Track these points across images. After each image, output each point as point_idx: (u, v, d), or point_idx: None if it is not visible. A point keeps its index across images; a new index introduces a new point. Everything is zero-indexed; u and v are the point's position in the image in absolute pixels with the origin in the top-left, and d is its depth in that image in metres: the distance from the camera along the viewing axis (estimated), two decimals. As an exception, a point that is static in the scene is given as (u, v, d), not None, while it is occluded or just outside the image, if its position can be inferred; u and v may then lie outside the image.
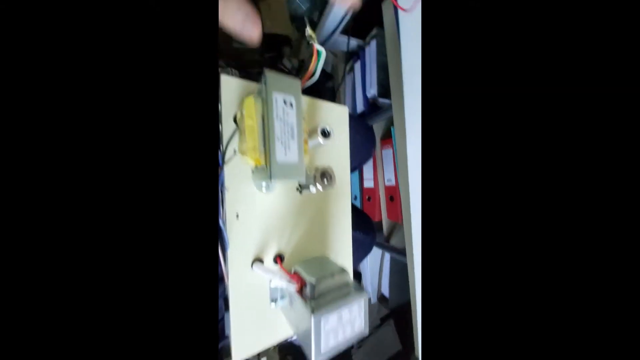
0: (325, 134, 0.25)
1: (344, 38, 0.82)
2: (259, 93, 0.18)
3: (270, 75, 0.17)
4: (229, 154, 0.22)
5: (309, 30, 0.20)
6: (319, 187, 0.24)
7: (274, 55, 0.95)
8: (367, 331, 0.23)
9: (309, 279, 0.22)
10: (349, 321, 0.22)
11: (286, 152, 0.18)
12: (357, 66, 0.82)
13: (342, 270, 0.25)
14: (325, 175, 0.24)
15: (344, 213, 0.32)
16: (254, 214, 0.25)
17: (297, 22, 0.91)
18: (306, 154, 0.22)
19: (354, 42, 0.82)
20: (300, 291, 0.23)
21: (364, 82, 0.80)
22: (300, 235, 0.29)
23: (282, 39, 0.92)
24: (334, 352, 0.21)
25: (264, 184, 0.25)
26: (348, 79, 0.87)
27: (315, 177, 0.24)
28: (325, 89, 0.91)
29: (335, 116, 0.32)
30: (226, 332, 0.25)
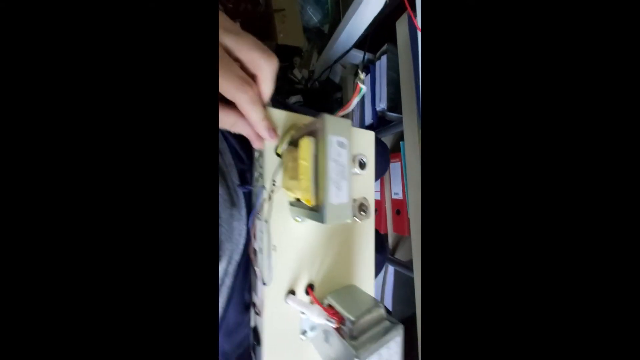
0: (362, 164, 0.25)
1: (355, 52, 0.83)
2: (316, 135, 0.18)
3: (327, 119, 0.17)
4: (268, 185, 0.22)
5: (360, 75, 0.21)
6: (357, 219, 0.24)
7: (285, 66, 0.95)
8: (402, 367, 0.23)
9: (347, 316, 0.22)
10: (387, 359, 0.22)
11: (338, 193, 0.18)
12: (367, 80, 0.82)
13: (377, 304, 0.24)
14: (362, 207, 0.24)
15: (368, 239, 0.32)
16: (289, 244, 0.25)
17: (309, 32, 0.92)
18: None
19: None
20: (338, 328, 0.22)
21: (373, 96, 0.80)
22: (329, 263, 0.28)
23: (293, 49, 0.92)
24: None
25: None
26: (357, 91, 0.88)
27: (353, 208, 0.24)
28: (333, 99, 0.91)
29: (363, 142, 0.32)
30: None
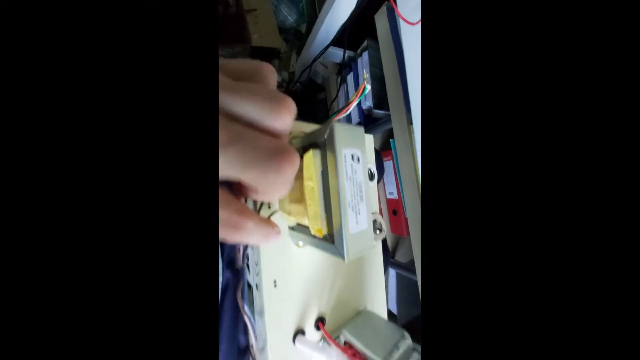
0: (372, 176, 0.22)
1: (335, 50, 0.80)
2: (320, 147, 0.14)
3: (337, 128, 0.13)
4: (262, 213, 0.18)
5: (365, 74, 0.18)
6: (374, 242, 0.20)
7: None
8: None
9: (373, 357, 0.19)
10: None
11: (357, 218, 0.14)
12: (350, 77, 0.80)
13: (402, 335, 0.21)
14: (376, 225, 0.21)
15: (377, 252, 0.29)
16: (292, 276, 0.21)
17: (286, 33, 0.88)
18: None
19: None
20: (363, 373, 0.19)
21: (358, 94, 0.78)
22: (339, 288, 0.25)
23: (270, 51, 0.88)
24: None
25: (301, 242, 0.21)
26: (341, 90, 0.85)
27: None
28: (317, 100, 0.88)
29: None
30: None
